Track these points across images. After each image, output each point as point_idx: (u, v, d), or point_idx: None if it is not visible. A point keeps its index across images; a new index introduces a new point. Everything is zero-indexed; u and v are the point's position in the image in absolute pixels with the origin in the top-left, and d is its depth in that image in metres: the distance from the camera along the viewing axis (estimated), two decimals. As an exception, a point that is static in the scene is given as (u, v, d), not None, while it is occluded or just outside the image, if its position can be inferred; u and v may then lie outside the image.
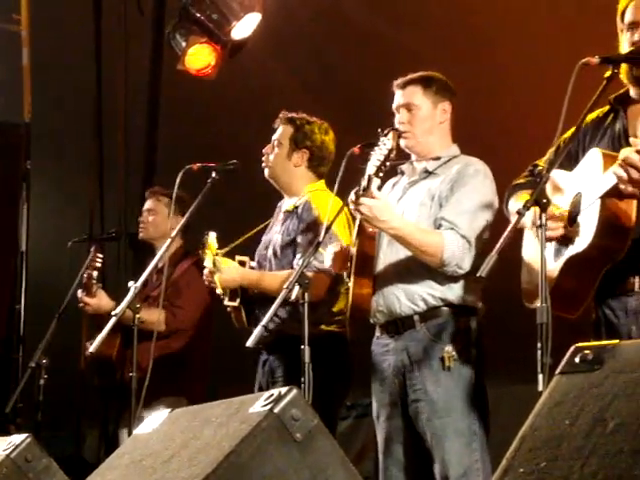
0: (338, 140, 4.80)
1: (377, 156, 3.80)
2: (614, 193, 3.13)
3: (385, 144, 3.80)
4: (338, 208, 4.18)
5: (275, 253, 4.72)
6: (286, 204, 4.82)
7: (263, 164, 4.84)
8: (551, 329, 2.91)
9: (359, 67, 6.31)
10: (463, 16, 5.86)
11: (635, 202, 3.16)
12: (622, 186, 3.07)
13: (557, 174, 3.42)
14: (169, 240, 4.78)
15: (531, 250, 3.47)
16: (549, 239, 3.33)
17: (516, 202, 3.53)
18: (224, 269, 4.59)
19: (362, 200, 3.79)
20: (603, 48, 3.39)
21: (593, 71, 3.16)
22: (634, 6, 3.36)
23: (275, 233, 4.79)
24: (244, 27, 5.93)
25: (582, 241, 3.22)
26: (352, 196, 3.84)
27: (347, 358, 4.60)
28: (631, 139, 3.16)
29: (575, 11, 5.29)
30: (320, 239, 4.00)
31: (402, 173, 4.22)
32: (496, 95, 5.94)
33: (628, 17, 3.36)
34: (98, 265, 5.53)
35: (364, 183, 3.80)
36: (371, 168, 3.82)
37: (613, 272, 3.25)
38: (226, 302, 4.71)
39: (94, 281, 5.50)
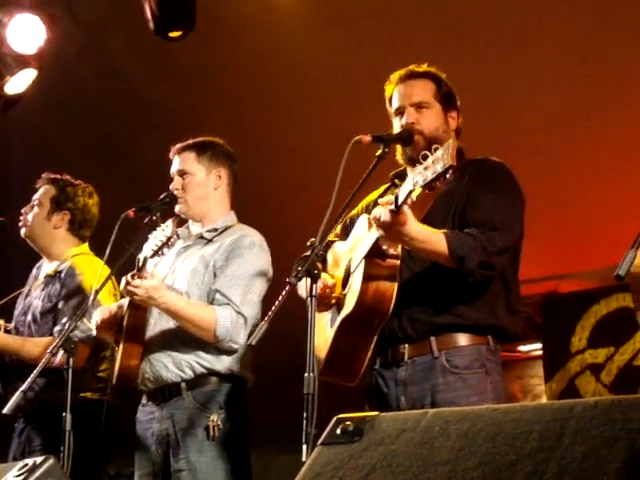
0: (113, 202, 4.72)
1: (155, 240, 3.79)
2: (377, 253, 3.24)
3: (164, 230, 3.79)
4: (105, 274, 4.06)
5: (35, 319, 4.57)
6: (46, 268, 4.69)
7: (21, 223, 4.71)
8: (317, 399, 2.93)
9: (137, 130, 6.27)
10: (246, 84, 5.95)
11: (398, 263, 3.28)
12: (384, 246, 3.20)
13: (337, 245, 3.54)
14: None
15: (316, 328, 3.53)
16: (324, 308, 3.41)
17: None
18: None
19: (136, 282, 3.74)
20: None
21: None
22: (398, 93, 3.56)
23: (35, 298, 4.64)
24: (18, 82, 5.76)
25: (350, 302, 3.30)
26: (127, 278, 3.78)
27: (112, 426, 4.47)
28: (379, 200, 3.28)
29: (359, 87, 5.49)
30: (86, 307, 3.91)
31: (177, 236, 4.20)
32: (277, 165, 6.04)
33: (395, 104, 3.56)
34: None
35: (139, 264, 3.75)
36: (147, 250, 3.80)
37: (385, 341, 3.34)
38: None
39: None
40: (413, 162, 3.50)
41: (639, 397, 1.79)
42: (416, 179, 2.87)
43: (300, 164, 5.75)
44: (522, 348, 8.71)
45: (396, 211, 3.02)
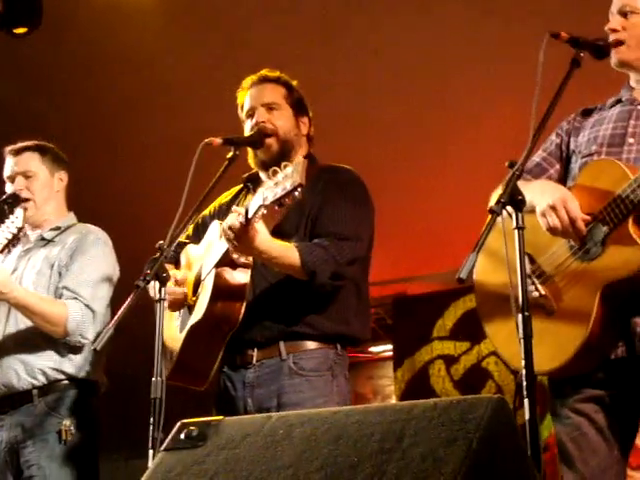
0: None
1: (5, 233, 3.73)
2: (227, 262, 3.24)
3: (14, 222, 3.73)
4: None
5: None
6: None
7: None
8: (164, 403, 2.90)
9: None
10: (93, 83, 5.84)
11: (249, 271, 3.28)
12: (235, 255, 3.20)
13: (191, 248, 3.53)
14: None
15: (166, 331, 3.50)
16: (175, 307, 3.38)
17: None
18: None
19: None
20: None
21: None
22: (249, 96, 3.57)
23: None
24: None
25: (200, 309, 3.29)
26: None
27: None
28: (233, 207, 3.27)
29: (211, 86, 5.46)
30: None
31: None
32: (126, 165, 5.96)
33: (246, 106, 3.57)
34: None
35: None
36: None
37: (234, 345, 3.33)
38: None
39: None
40: (265, 166, 3.51)
41: (477, 398, 1.84)
42: (266, 194, 2.88)
43: (149, 164, 5.67)
44: (373, 349, 8.85)
45: (246, 224, 3.03)
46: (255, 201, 2.96)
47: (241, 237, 3.07)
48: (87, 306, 3.84)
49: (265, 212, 2.95)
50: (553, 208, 2.84)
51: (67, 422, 3.76)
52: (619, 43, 2.99)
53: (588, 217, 2.85)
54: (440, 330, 8.14)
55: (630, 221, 2.76)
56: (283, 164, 2.86)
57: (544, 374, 2.88)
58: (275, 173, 2.86)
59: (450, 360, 8.03)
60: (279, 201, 2.85)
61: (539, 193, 2.89)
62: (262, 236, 3.12)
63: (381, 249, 3.56)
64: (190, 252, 3.55)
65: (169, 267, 3.51)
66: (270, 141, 3.47)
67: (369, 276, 3.56)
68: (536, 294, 2.89)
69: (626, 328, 2.81)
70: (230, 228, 3.08)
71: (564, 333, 2.82)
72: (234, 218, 3.08)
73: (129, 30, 5.50)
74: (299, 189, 2.78)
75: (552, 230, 2.86)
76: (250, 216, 2.99)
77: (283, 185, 2.81)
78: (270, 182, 2.87)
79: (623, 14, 3.02)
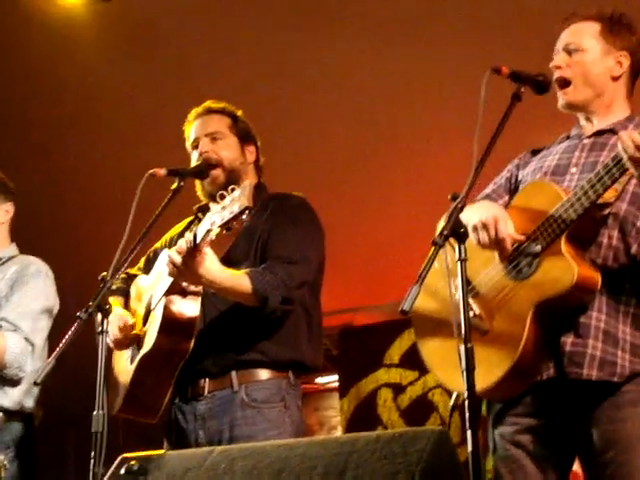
0: None
1: None
2: (177, 290, 3.23)
3: None
4: None
5: None
6: None
7: None
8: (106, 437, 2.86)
9: None
10: (34, 106, 5.80)
11: (200, 299, 3.27)
12: (184, 284, 3.19)
13: (141, 279, 3.51)
14: None
15: (117, 364, 3.47)
16: (124, 347, 3.35)
17: (114, 307, 3.52)
18: None
19: None
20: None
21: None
22: (194, 127, 3.57)
23: None
24: None
25: (149, 340, 3.26)
26: None
27: None
28: (186, 233, 3.26)
29: (159, 118, 5.45)
30: None
31: None
32: (73, 196, 5.92)
33: (191, 137, 3.57)
34: None
35: None
36: None
37: (185, 375, 3.31)
38: None
39: None
40: (213, 197, 3.50)
41: (419, 430, 1.84)
42: (214, 219, 2.86)
43: (92, 196, 5.63)
44: (319, 380, 8.84)
45: (194, 249, 3.01)
46: (203, 226, 2.94)
47: (188, 262, 3.05)
48: (26, 339, 3.78)
49: (213, 237, 2.94)
50: (484, 225, 2.87)
51: (1, 457, 3.70)
52: (565, 83, 3.03)
53: (521, 237, 2.87)
54: (387, 360, 8.15)
55: (563, 240, 2.79)
56: (230, 188, 2.85)
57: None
58: (223, 197, 2.85)
59: (397, 389, 8.04)
60: (227, 225, 2.84)
61: (478, 211, 2.92)
62: (210, 263, 3.09)
63: (327, 279, 3.56)
64: (140, 283, 3.53)
65: (119, 301, 3.50)
66: (216, 172, 3.46)
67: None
68: (470, 314, 2.89)
69: (555, 348, 2.83)
70: (178, 253, 3.06)
71: (496, 353, 2.82)
72: (182, 243, 3.06)
73: (70, 60, 5.45)
74: (247, 212, 2.78)
75: (481, 246, 2.90)
76: (198, 241, 2.98)
77: (231, 209, 2.80)
78: (218, 206, 2.86)
79: (568, 52, 3.05)
